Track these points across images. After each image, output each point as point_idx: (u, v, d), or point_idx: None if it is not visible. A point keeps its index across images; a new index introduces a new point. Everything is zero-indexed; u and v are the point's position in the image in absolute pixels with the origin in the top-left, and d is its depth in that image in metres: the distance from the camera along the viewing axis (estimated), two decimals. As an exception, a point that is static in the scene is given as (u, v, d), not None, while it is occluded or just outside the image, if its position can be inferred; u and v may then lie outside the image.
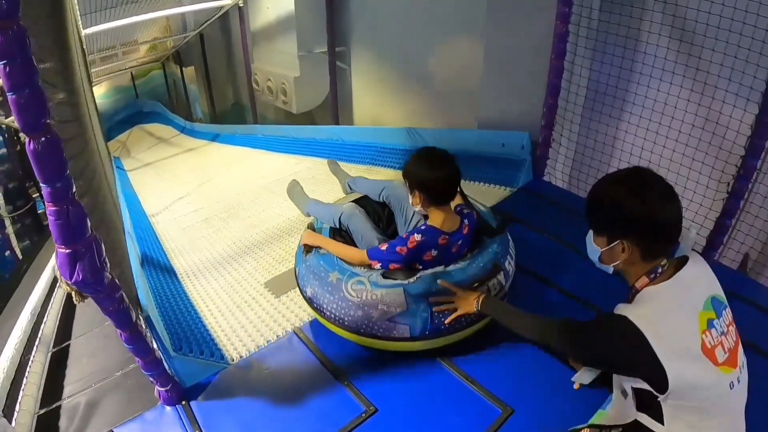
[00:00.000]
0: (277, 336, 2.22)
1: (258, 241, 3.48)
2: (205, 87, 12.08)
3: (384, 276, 1.89)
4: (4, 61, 1.09)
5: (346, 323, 1.92)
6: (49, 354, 2.64)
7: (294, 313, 2.39)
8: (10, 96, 1.12)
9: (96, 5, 6.91)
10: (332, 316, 1.96)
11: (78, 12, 6.26)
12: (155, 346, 1.79)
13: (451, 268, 1.92)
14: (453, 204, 2.05)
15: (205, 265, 3.30)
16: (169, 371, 1.83)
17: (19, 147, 9.73)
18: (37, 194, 9.69)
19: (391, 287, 1.84)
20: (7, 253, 7.64)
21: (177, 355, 2.00)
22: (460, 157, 3.63)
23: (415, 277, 1.87)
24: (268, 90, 7.24)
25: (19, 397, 2.13)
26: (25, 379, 2.29)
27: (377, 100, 5.78)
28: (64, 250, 1.27)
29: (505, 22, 3.57)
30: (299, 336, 2.18)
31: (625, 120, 2.97)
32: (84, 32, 7.30)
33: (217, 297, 2.75)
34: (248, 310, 2.52)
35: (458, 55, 4.36)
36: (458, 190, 2.03)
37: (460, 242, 2.02)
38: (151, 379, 1.78)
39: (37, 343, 2.65)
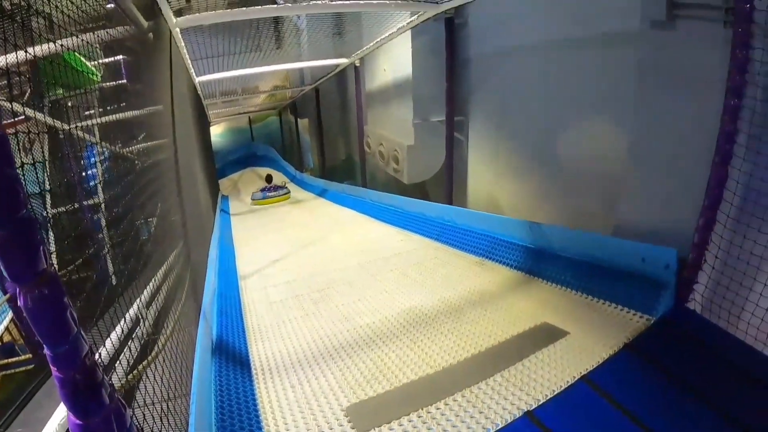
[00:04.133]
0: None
1: (347, 343, 3.27)
2: (318, 140, 12.68)
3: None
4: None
5: (253, 199, 11.60)
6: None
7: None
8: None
9: (214, 51, 7.39)
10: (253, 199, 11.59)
11: (189, 61, 6.71)
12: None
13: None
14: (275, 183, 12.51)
15: (285, 361, 3.14)
16: None
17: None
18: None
19: (257, 192, 11.82)
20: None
21: None
22: (588, 265, 3.43)
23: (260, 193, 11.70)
24: (380, 155, 7.38)
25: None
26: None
27: (495, 176, 5.62)
28: (74, 420, 1.10)
29: (659, 109, 3.29)
30: None
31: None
32: (197, 80, 7.90)
33: (290, 415, 2.52)
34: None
35: (594, 140, 4.11)
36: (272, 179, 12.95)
37: (276, 187, 11.79)
38: None
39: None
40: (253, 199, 11.60)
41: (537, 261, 3.88)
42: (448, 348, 2.98)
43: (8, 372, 6.83)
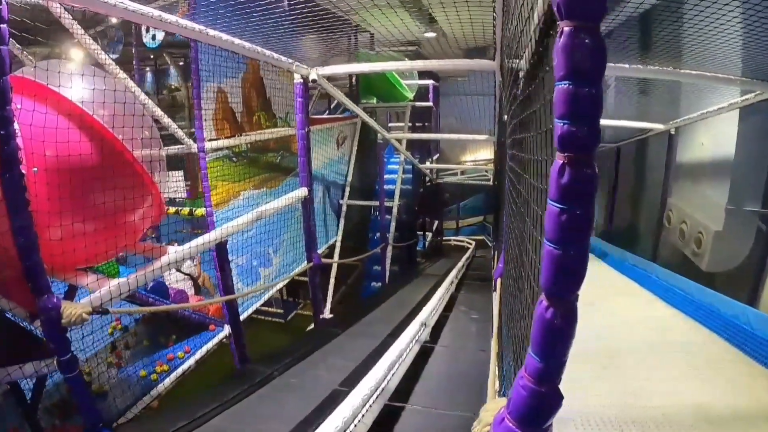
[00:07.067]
0: None
1: (643, 419, 3.41)
2: (607, 200, 12.62)
3: None
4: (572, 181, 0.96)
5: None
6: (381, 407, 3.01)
7: None
8: (553, 248, 1.03)
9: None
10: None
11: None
12: None
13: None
14: None
15: (575, 416, 3.42)
16: None
17: (422, 189, 14.61)
18: (422, 232, 15.00)
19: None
20: (376, 267, 11.34)
21: None
22: None
23: None
24: (680, 233, 7.30)
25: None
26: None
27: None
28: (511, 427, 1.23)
29: None
30: None
31: None
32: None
33: None
34: None
35: None
36: None
37: None
38: None
39: (378, 392, 2.97)
40: None
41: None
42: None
43: (267, 318, 9.79)
